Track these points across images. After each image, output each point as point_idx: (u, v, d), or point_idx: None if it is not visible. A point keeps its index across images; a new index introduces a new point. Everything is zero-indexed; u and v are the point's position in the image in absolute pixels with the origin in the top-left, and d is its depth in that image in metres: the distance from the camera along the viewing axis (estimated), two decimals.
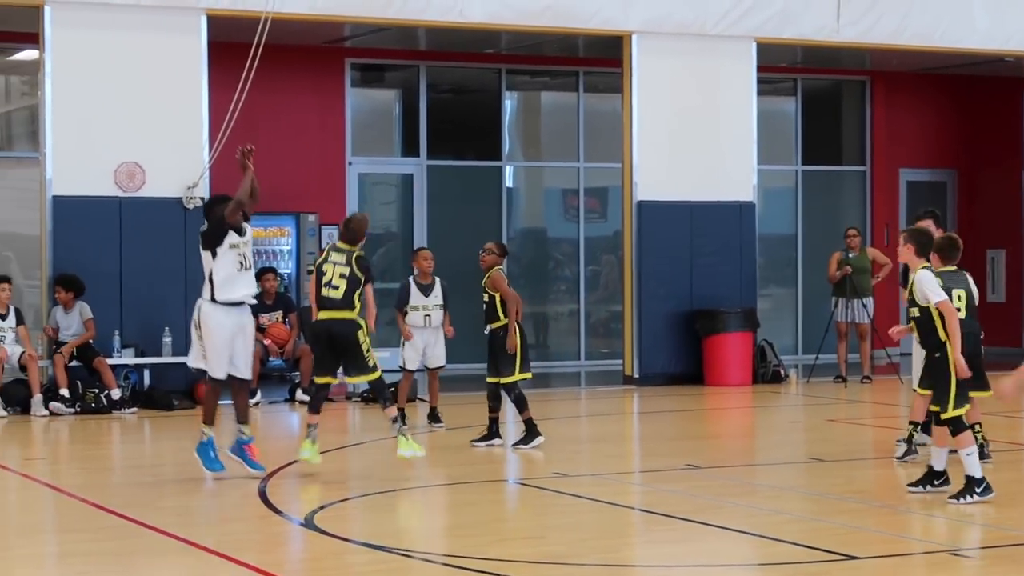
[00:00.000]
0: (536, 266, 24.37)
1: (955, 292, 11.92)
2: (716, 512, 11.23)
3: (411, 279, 16.28)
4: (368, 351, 13.05)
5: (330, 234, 22.30)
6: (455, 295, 23.32)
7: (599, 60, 23.27)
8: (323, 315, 13.08)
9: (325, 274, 13.14)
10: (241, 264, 12.60)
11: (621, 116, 21.09)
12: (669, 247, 20.84)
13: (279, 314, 18.99)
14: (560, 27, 20.65)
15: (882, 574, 9.27)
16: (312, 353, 14.65)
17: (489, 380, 14.59)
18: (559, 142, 24.37)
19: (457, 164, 23.73)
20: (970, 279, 12.37)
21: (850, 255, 20.94)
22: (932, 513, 11.13)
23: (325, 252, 13.47)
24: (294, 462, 13.25)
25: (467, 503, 11.86)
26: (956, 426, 11.40)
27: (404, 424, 13.31)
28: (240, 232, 12.68)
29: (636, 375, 20.72)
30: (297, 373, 18.88)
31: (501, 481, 13.16)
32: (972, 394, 11.77)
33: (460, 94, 24.25)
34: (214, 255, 12.52)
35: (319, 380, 13.21)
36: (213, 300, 12.49)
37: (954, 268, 12.10)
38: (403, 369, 16.21)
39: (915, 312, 11.62)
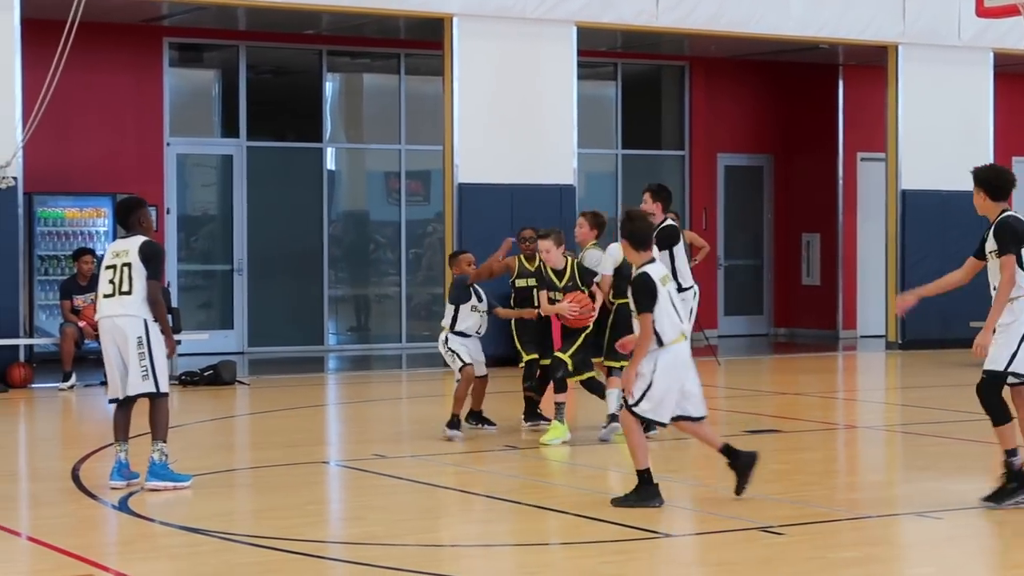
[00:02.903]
0: (357, 249, 24.30)
1: None
2: (533, 492, 11.32)
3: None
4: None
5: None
6: (273, 278, 23.32)
7: (420, 42, 23.25)
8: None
9: None
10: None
11: (442, 99, 21.10)
12: (490, 230, 20.87)
13: (94, 295, 18.67)
14: (381, 8, 20.59)
15: (692, 551, 9.41)
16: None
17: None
18: (381, 124, 24.31)
19: (277, 146, 23.57)
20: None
21: None
22: (745, 492, 11.31)
23: None
24: (108, 445, 13.04)
25: (286, 485, 11.80)
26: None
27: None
28: None
29: None
30: None
31: (321, 463, 13.11)
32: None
33: (281, 75, 24.08)
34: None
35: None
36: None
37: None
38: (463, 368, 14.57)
39: None
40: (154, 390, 11.28)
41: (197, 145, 23.16)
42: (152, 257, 11.30)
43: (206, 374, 18.70)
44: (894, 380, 21.07)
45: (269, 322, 23.23)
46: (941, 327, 22.85)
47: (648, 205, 13.78)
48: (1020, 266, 10.41)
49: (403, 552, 9.35)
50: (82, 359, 18.97)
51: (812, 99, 26.83)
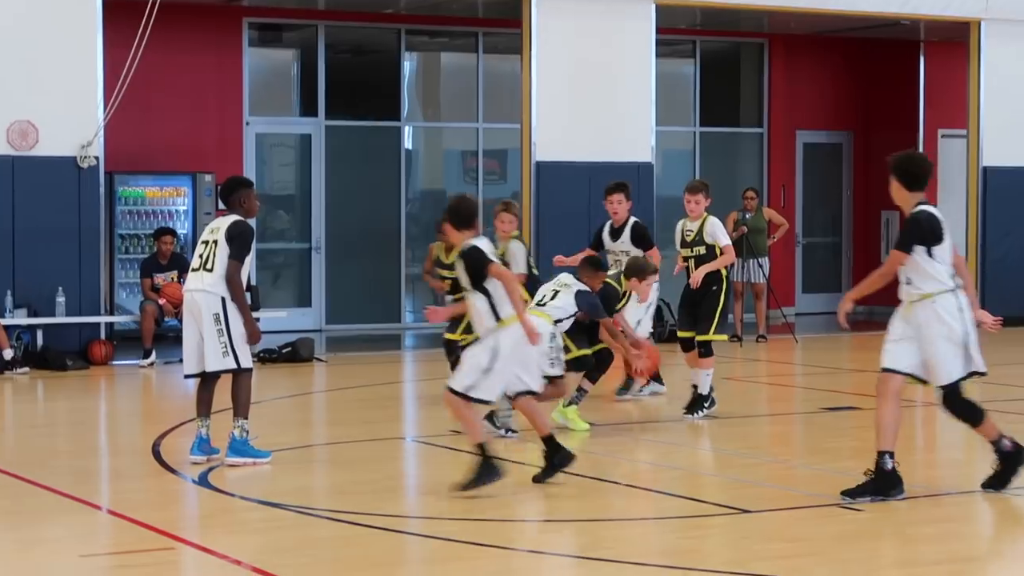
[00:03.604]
0: (435, 227, 24.27)
1: None
2: (611, 468, 11.32)
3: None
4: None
5: None
6: (351, 257, 23.41)
7: (498, 21, 23.23)
8: None
9: None
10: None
11: (520, 77, 21.08)
12: (568, 208, 20.88)
13: (174, 274, 18.88)
14: None
15: (771, 526, 9.38)
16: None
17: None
18: (458, 103, 24.33)
19: (356, 124, 23.63)
20: None
21: (747, 216, 21.09)
22: (822, 468, 11.29)
23: None
24: (189, 421, 13.15)
25: (364, 461, 11.86)
26: (708, 349, 13.56)
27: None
28: None
29: None
30: None
31: (398, 439, 13.17)
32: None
33: (359, 54, 24.14)
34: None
35: None
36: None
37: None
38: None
39: (702, 251, 13.72)
40: (235, 366, 11.36)
41: (276, 124, 23.27)
42: (236, 236, 11.34)
43: (284, 351, 18.84)
44: None
45: (347, 300, 23.32)
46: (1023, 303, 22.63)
47: (623, 205, 14.77)
48: (934, 260, 10.06)
49: (481, 527, 9.38)
50: (162, 336, 19.12)
51: (892, 75, 26.60)
